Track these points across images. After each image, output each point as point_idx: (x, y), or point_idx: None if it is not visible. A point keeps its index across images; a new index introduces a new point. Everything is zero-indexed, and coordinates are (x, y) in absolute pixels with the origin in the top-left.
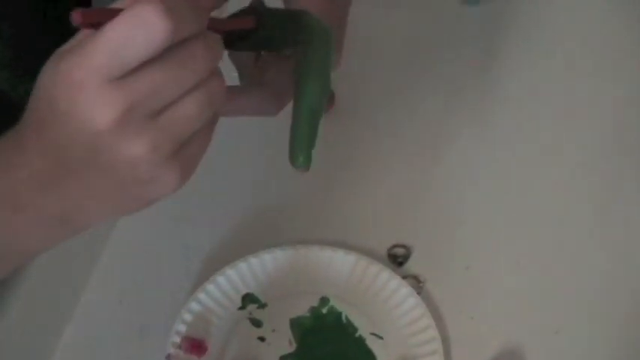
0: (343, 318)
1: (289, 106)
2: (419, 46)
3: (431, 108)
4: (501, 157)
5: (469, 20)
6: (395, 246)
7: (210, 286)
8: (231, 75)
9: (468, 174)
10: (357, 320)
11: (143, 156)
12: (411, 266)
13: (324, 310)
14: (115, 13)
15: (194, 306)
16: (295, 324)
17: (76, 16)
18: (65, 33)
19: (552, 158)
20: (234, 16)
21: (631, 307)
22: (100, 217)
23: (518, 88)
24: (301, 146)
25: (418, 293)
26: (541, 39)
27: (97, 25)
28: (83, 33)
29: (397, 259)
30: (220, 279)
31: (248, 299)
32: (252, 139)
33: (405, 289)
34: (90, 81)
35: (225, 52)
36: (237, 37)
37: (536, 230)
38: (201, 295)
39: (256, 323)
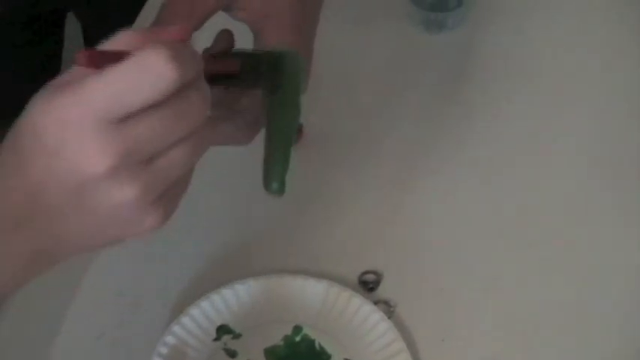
0: (316, 345)
1: (259, 136)
2: (385, 75)
3: (399, 135)
4: (470, 180)
5: (434, 48)
6: (366, 272)
7: (184, 319)
8: None
9: (437, 198)
10: (331, 347)
11: (131, 201)
12: (383, 292)
13: (298, 338)
14: (120, 56)
15: (169, 339)
16: (269, 353)
17: (81, 58)
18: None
19: (522, 180)
20: (215, 55)
21: (606, 329)
22: (77, 251)
23: (485, 114)
24: (276, 173)
25: (389, 317)
26: (505, 65)
27: (100, 65)
28: (79, 70)
29: (368, 285)
30: (194, 311)
31: (222, 330)
32: (223, 170)
33: (377, 315)
34: (86, 122)
35: None
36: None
37: (509, 252)
38: (176, 328)
39: (231, 354)
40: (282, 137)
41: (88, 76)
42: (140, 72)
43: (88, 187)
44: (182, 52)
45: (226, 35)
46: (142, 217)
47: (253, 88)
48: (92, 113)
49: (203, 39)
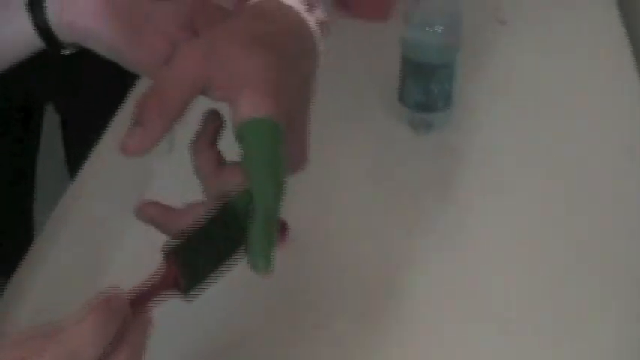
0: None
1: None
2: (371, 173)
3: (385, 234)
4: (461, 279)
5: (421, 149)
6: None
7: None
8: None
9: (426, 302)
10: None
11: None
12: None
13: None
14: None
15: None
16: None
17: None
18: None
19: (519, 282)
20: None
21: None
22: None
23: (474, 215)
24: (260, 251)
25: None
26: (494, 167)
27: None
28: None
29: None
30: None
31: None
32: None
33: None
34: None
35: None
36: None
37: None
38: None
39: None
40: (262, 214)
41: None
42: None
43: None
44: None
45: (214, 115)
46: None
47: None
48: None
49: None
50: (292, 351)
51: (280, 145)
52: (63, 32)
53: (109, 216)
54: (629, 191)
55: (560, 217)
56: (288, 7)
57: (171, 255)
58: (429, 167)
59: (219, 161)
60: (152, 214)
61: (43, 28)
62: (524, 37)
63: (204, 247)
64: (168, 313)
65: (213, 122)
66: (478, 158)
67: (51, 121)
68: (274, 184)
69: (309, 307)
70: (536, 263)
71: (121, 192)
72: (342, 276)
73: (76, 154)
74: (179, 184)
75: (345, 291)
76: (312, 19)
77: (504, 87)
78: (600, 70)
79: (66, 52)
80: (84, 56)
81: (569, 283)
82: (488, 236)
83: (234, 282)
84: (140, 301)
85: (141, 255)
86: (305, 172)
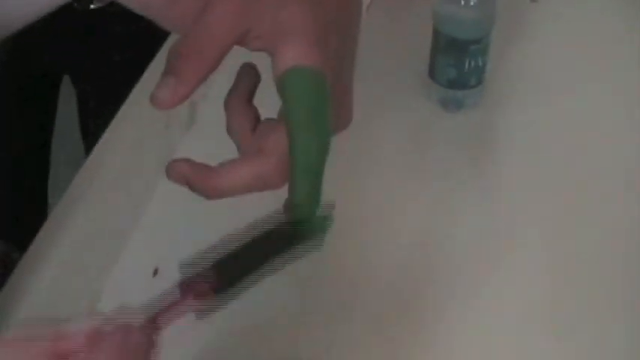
0: None
1: None
2: (401, 153)
3: (415, 216)
4: (492, 263)
5: (453, 126)
6: None
7: None
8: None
9: (458, 294)
10: None
11: None
12: None
13: None
14: None
15: None
16: None
17: None
18: None
19: (548, 262)
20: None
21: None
22: None
23: (502, 197)
24: (303, 213)
25: None
26: (525, 146)
27: None
28: None
29: None
30: None
31: None
32: None
33: None
34: None
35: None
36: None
37: None
38: None
39: None
40: (303, 169)
41: None
42: None
43: None
44: None
45: (250, 69)
46: None
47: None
48: None
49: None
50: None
51: (326, 97)
52: None
53: (124, 194)
54: None
55: (592, 205)
56: None
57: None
58: (459, 146)
59: (256, 119)
60: (184, 171)
61: None
62: (556, 16)
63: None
64: None
65: (249, 77)
66: (509, 137)
67: (66, 96)
68: (318, 138)
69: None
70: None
71: (139, 170)
72: (375, 260)
73: (93, 129)
74: (202, 160)
75: (373, 269)
76: None
77: (536, 66)
78: (629, 47)
79: (96, 5)
80: (104, 26)
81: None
82: (520, 217)
83: None
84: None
85: (156, 237)
86: (332, 150)
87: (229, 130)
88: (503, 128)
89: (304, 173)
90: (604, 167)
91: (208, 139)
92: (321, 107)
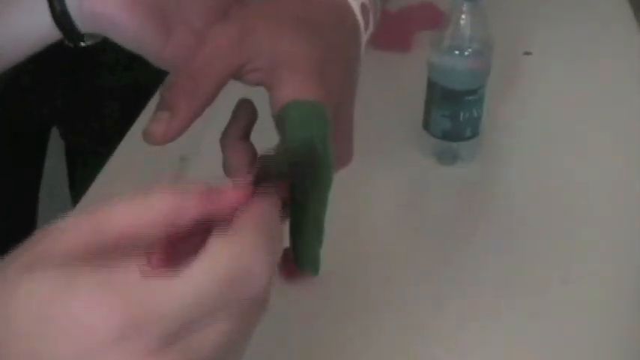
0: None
1: None
2: (396, 206)
3: (411, 269)
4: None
5: (448, 180)
6: None
7: None
8: None
9: (444, 342)
10: None
11: None
12: None
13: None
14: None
15: None
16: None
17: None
18: None
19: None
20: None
21: None
22: None
23: (498, 247)
24: (306, 253)
25: None
26: (522, 201)
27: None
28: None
29: None
30: None
31: None
32: None
33: None
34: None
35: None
36: None
37: None
38: None
39: None
40: (303, 205)
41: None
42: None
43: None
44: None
45: (247, 106)
46: None
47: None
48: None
49: None
50: None
51: (328, 130)
52: (83, 21)
53: None
54: None
55: (593, 259)
56: None
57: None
58: (454, 200)
59: (254, 156)
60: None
61: (61, 16)
62: (551, 67)
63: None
64: None
65: (246, 114)
66: (506, 191)
67: (54, 149)
68: (317, 169)
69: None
70: (561, 295)
71: None
72: (368, 308)
73: (81, 182)
74: None
75: (369, 328)
76: (355, 3)
77: (532, 117)
78: (623, 95)
79: (85, 43)
80: (93, 77)
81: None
82: (510, 269)
83: None
84: None
85: None
86: (329, 202)
87: (226, 169)
88: (499, 181)
89: (312, 216)
90: (605, 218)
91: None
92: (322, 141)
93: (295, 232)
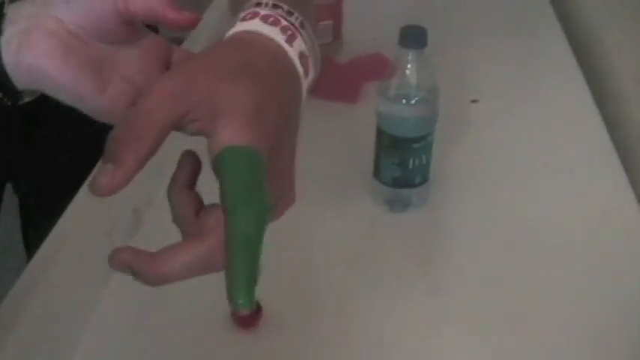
0: None
1: None
2: (346, 255)
3: (363, 318)
4: None
5: (400, 226)
6: None
7: None
8: None
9: None
10: None
11: None
12: None
13: None
14: None
15: None
16: None
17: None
18: None
19: None
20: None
21: None
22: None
23: (455, 296)
24: (240, 284)
25: None
26: (475, 243)
27: None
28: None
29: None
30: None
31: None
32: None
33: None
34: None
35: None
36: None
37: None
38: None
39: None
40: (242, 241)
41: None
42: None
43: None
44: None
45: (191, 156)
46: None
47: None
48: None
49: None
50: None
51: (261, 174)
52: (20, 77)
53: (66, 306)
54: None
55: (541, 292)
56: (267, 38)
57: None
58: (406, 246)
59: (200, 205)
60: (126, 259)
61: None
62: (497, 114)
63: None
64: None
65: (190, 165)
66: (457, 236)
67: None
68: (255, 213)
69: None
70: (524, 341)
71: (81, 280)
72: (318, 357)
73: (35, 237)
74: None
75: None
76: (292, 50)
77: (480, 163)
78: (572, 133)
79: (24, 100)
80: (45, 133)
81: None
82: (470, 314)
83: None
84: None
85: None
86: (279, 251)
87: (174, 220)
88: (450, 227)
89: (241, 247)
90: (558, 260)
91: (154, 246)
92: (256, 183)
93: (227, 264)
